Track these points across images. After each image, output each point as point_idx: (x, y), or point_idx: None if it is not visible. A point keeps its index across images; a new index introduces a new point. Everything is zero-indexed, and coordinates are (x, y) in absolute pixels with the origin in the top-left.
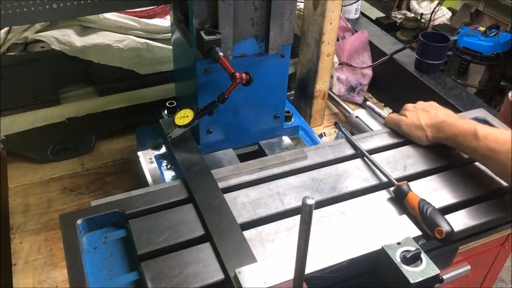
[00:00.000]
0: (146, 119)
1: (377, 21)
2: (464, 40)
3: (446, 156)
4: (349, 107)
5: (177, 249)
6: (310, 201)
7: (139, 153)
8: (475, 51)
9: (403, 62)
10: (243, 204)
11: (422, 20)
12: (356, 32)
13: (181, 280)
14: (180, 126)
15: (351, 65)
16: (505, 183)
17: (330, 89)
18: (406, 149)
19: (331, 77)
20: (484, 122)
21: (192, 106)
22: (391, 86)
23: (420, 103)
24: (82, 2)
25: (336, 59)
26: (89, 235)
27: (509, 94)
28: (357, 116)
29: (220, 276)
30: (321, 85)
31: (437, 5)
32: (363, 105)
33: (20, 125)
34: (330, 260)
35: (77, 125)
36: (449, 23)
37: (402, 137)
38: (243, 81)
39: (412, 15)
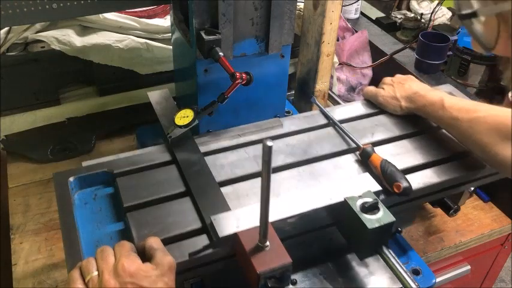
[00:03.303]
0: (146, 119)
1: (377, 21)
2: (464, 40)
3: (413, 125)
4: None
5: (159, 203)
6: (269, 143)
7: None
8: (475, 51)
9: (403, 62)
10: (221, 166)
11: (422, 20)
12: (356, 32)
13: (162, 228)
14: (180, 126)
15: (351, 65)
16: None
17: (330, 89)
18: (376, 119)
19: (331, 77)
20: None
21: (192, 106)
22: None
23: (398, 76)
24: (82, 2)
25: (336, 59)
26: (81, 192)
27: (509, 94)
28: None
29: (198, 224)
30: (321, 85)
31: (437, 5)
32: None
33: (20, 125)
34: (296, 210)
35: (77, 125)
36: (449, 23)
37: (374, 108)
38: (243, 81)
39: (412, 15)
